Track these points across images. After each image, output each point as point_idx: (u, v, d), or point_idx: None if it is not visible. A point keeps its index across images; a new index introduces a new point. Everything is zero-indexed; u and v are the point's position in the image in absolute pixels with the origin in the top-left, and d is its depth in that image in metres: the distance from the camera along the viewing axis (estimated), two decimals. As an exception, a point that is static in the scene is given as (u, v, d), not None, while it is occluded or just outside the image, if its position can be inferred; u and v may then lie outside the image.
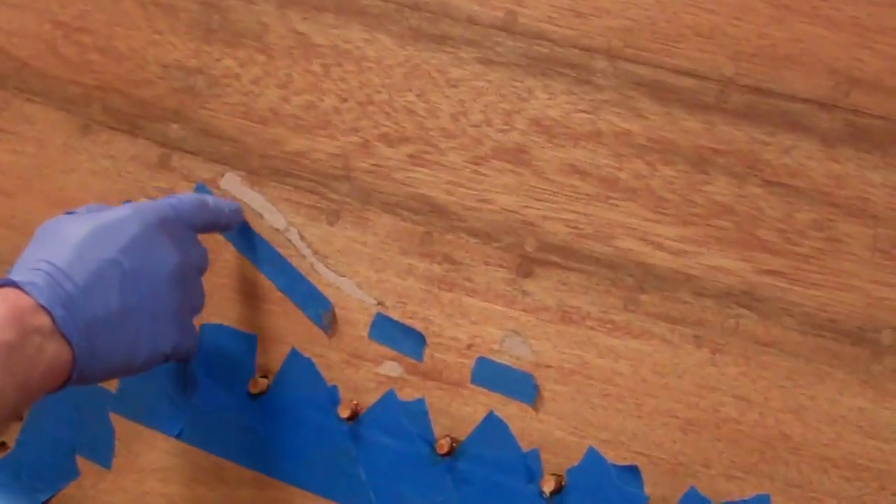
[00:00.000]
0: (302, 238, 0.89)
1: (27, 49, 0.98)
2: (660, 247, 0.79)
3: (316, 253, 0.89)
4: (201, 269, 0.85)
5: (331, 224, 0.88)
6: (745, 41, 0.77)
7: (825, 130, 0.75)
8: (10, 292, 0.75)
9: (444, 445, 0.84)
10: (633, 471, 0.79)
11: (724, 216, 0.78)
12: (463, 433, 0.84)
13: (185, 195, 0.87)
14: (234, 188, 0.91)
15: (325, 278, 0.88)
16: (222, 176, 0.92)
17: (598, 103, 0.81)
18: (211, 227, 0.87)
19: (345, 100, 0.88)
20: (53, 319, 0.75)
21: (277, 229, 0.90)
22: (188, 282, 0.83)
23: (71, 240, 0.79)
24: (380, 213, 0.87)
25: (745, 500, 0.77)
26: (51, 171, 0.97)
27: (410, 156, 0.86)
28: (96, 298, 0.77)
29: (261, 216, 0.90)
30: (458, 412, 0.84)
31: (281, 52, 0.89)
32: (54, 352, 0.75)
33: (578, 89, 0.81)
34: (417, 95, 0.85)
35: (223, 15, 0.91)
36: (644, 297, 0.80)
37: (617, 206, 0.80)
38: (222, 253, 0.91)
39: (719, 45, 0.77)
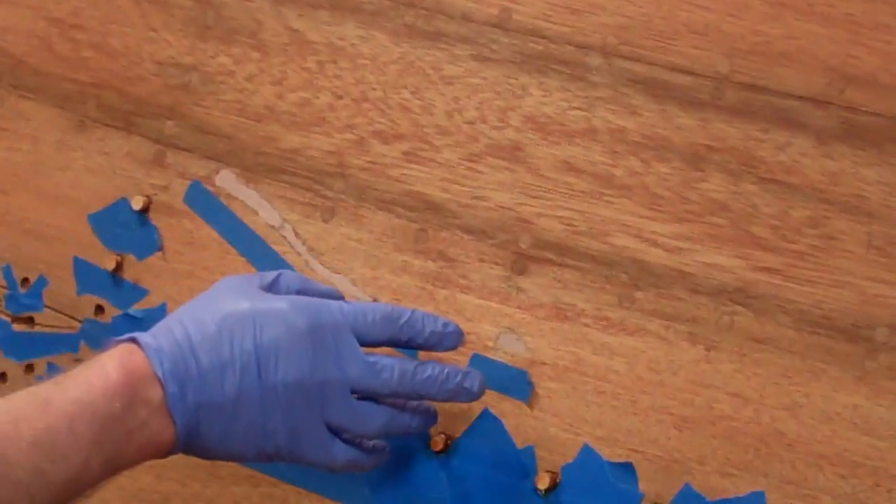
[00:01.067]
0: (297, 235, 0.89)
1: (22, 46, 0.98)
2: (654, 244, 0.79)
3: (311, 250, 0.88)
4: (364, 387, 0.77)
5: (326, 221, 0.88)
6: (740, 38, 0.77)
7: (820, 127, 0.75)
8: (133, 352, 0.73)
9: (438, 442, 0.84)
10: (627, 468, 0.79)
11: (718, 213, 0.78)
12: (458, 430, 0.84)
13: (376, 304, 0.80)
14: (229, 185, 0.91)
15: (319, 275, 0.88)
16: (217, 173, 0.91)
17: (592, 100, 0.81)
18: (402, 343, 0.79)
19: (340, 97, 0.87)
20: (165, 394, 0.72)
21: (272, 226, 0.90)
22: (327, 396, 0.76)
23: (219, 313, 0.75)
24: (374, 210, 0.87)
25: (739, 497, 0.77)
26: (46, 168, 0.97)
27: (405, 153, 0.86)
28: (214, 382, 0.74)
29: (256, 213, 0.90)
30: (452, 409, 0.84)
31: (276, 49, 0.89)
32: (156, 429, 0.72)
33: (573, 86, 0.81)
34: (412, 92, 0.85)
35: (218, 12, 0.91)
36: (639, 294, 0.80)
37: (612, 203, 0.80)
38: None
39: (714, 42, 0.77)
